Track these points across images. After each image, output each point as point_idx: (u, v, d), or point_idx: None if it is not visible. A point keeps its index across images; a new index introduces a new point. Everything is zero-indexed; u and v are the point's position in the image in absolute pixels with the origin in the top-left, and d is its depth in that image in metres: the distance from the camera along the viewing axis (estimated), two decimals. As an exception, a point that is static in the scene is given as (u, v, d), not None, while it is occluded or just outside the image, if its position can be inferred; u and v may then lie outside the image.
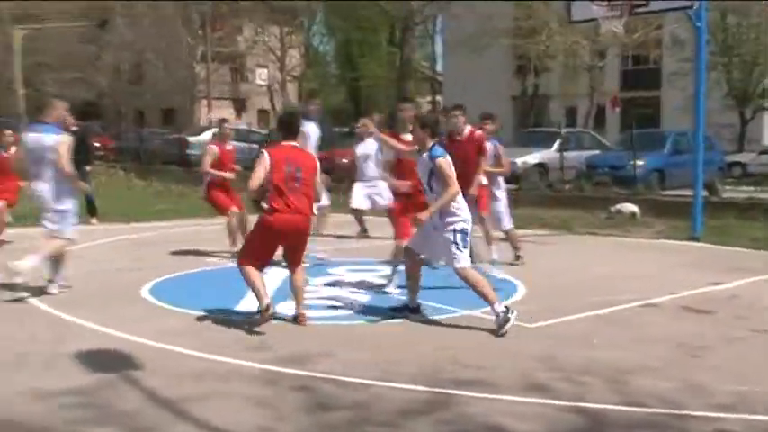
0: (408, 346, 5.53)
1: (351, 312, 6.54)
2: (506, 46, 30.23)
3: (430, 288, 7.05)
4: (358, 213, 10.59)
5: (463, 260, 5.96)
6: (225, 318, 6.22)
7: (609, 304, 6.76)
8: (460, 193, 6.06)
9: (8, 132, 10.62)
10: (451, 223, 5.97)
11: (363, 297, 7.09)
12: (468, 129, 8.20)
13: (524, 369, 4.96)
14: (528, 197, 15.37)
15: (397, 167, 7.24)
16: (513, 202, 10.03)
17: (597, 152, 20.36)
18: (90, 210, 13.13)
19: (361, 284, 7.66)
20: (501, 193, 9.09)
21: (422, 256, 6.32)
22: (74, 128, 13.06)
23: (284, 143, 6.07)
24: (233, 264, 8.82)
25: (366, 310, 6.57)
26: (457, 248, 5.94)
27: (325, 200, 8.48)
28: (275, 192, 5.85)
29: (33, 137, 6.98)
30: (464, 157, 7.66)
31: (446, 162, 5.98)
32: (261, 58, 48.66)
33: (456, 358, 5.18)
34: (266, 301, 5.84)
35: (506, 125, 22.80)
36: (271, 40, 44.91)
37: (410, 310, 6.34)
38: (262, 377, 4.78)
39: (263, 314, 5.82)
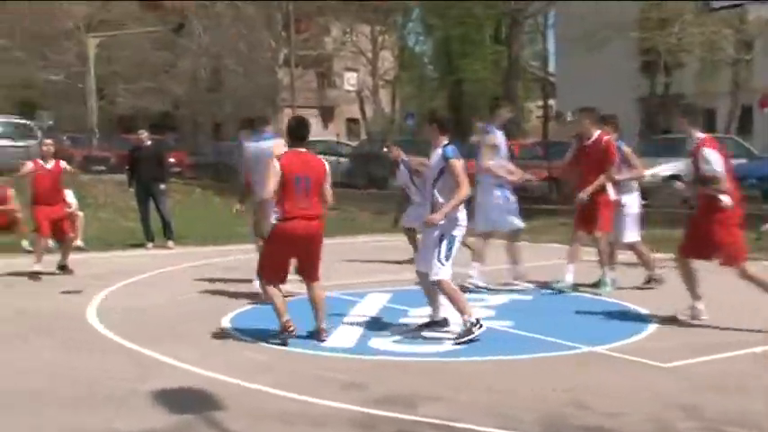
0: (525, 386, 5.47)
1: (455, 348, 6.51)
2: (630, 40, 29.57)
3: (549, 321, 6.96)
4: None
5: (441, 273, 6.54)
6: (314, 353, 6.30)
7: (765, 342, 6.48)
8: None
9: (48, 142, 11.03)
10: (444, 226, 6.53)
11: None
12: (597, 133, 8.61)
13: (660, 417, 4.80)
14: (659, 215, 14.93)
15: None
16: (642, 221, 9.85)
17: (743, 161, 19.61)
18: (166, 232, 13.59)
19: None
20: (633, 198, 8.96)
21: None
22: (147, 143, 13.74)
23: (293, 150, 6.63)
24: (328, 293, 9.05)
25: (473, 346, 6.52)
26: (438, 258, 6.54)
27: (518, 223, 8.78)
28: (285, 198, 6.42)
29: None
30: (587, 163, 7.73)
31: (459, 163, 6.56)
32: (350, 61, 49.43)
33: (580, 402, 5.08)
34: (285, 317, 6.46)
35: (630, 131, 22.24)
36: (361, 40, 45.59)
37: (437, 324, 6.88)
38: (359, 421, 4.80)
39: (284, 331, 6.45)
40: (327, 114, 52.01)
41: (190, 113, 47.62)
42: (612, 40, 28.09)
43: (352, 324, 7.36)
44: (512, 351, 6.38)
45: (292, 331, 6.48)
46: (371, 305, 8.24)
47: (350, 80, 51.83)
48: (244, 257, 11.98)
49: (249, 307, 8.22)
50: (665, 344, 6.49)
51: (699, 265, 7.39)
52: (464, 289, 7.68)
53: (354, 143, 35.69)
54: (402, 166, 11.04)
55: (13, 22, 39.34)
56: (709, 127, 33.09)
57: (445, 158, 6.58)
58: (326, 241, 11.99)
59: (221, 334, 7.02)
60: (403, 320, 7.41)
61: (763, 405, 5.05)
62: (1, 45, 39.54)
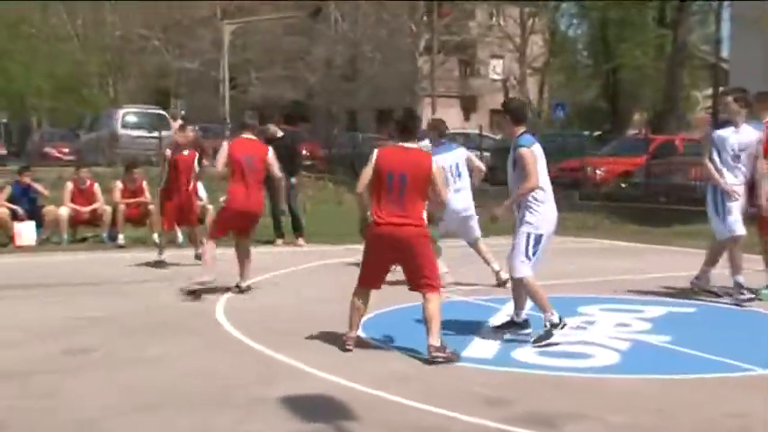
0: (687, 410, 5.30)
1: (607, 363, 6.39)
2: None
3: (713, 337, 6.72)
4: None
5: (523, 269, 6.74)
6: (454, 363, 6.30)
7: None
8: (547, 194, 6.81)
9: (189, 128, 11.55)
10: (529, 224, 6.74)
11: (623, 344, 6.90)
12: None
13: None
14: None
15: None
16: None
17: None
18: (296, 228, 13.90)
19: (619, 327, 7.51)
20: None
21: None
22: (279, 134, 14.08)
23: (396, 144, 6.51)
24: (463, 297, 9.10)
25: (628, 362, 6.39)
26: (523, 254, 6.74)
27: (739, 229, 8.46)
28: (376, 200, 6.37)
29: None
30: None
31: (529, 152, 6.71)
32: (496, 47, 49.22)
33: (753, 430, 4.87)
34: (353, 332, 6.64)
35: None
36: (508, 24, 45.28)
37: (517, 326, 7.07)
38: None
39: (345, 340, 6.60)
40: (470, 105, 51.94)
41: (324, 103, 48.56)
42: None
43: (490, 333, 7.32)
44: (671, 369, 6.20)
45: (353, 340, 6.64)
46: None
47: (495, 68, 51.64)
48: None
49: (384, 310, 8.30)
50: None
51: None
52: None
53: (498, 136, 35.43)
54: None
55: (151, 11, 41.36)
56: None
57: (515, 146, 6.75)
58: (453, 243, 12.04)
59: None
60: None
61: None
62: (139, 34, 41.69)
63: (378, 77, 44.90)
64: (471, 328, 7.42)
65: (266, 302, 8.75)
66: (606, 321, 7.80)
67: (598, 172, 21.34)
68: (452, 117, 46.99)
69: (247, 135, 9.35)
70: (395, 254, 6.46)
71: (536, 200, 6.82)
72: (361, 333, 7.37)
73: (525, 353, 6.62)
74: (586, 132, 34.17)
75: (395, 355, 6.62)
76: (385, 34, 43.56)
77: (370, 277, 6.62)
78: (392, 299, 8.93)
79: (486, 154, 27.72)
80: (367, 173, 6.43)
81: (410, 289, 6.62)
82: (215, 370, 6.16)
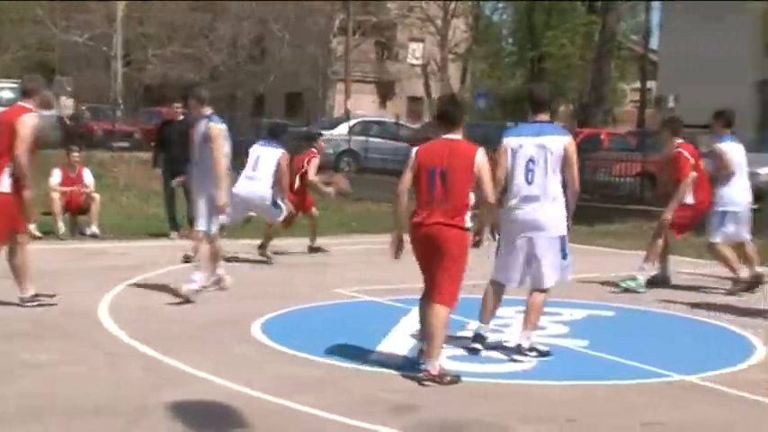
0: (604, 418, 5.44)
1: (522, 368, 6.50)
2: (756, 10, 28.85)
3: (631, 343, 6.90)
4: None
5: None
6: (359, 367, 6.35)
7: None
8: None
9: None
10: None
11: (540, 348, 7.01)
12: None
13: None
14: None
15: None
16: (755, 229, 10.19)
17: None
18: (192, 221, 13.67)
19: (536, 331, 7.60)
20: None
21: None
22: (180, 117, 13.85)
23: (440, 137, 6.37)
24: (366, 297, 9.14)
25: (545, 368, 6.51)
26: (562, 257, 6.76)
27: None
28: (417, 199, 6.23)
29: None
30: None
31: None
32: (416, 29, 49.40)
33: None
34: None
35: (746, 122, 21.80)
36: (430, 7, 45.52)
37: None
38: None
39: None
40: (386, 91, 52.09)
41: (228, 85, 48.04)
42: (732, 10, 27.43)
43: (403, 335, 7.37)
44: (588, 375, 6.36)
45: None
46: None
47: (414, 52, 51.86)
48: (280, 253, 12.11)
49: (284, 311, 8.29)
50: (770, 376, 6.39)
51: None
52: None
53: (416, 125, 35.67)
54: None
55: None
56: None
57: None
58: (376, 239, 12.17)
59: (251, 342, 7.09)
60: (461, 333, 7.40)
61: None
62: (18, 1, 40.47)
63: (287, 59, 44.66)
64: (382, 330, 7.46)
65: (155, 301, 8.61)
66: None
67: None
68: (367, 103, 47.17)
69: (26, 103, 8.00)
70: (425, 254, 6.27)
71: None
72: (258, 332, 7.36)
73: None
74: (510, 123, 34.59)
75: (295, 358, 6.61)
76: (296, 12, 43.32)
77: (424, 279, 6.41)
78: (299, 298, 8.96)
79: (404, 144, 27.89)
80: (406, 177, 6.28)
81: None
82: (93, 375, 6.05)
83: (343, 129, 28.57)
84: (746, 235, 10.01)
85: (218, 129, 8.61)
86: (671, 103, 36.72)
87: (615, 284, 9.93)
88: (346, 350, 6.76)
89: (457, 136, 6.31)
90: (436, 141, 6.38)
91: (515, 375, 6.34)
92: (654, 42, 45.20)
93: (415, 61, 51.16)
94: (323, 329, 7.65)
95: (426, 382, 5.90)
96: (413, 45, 52.00)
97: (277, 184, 11.02)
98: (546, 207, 6.66)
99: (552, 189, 6.68)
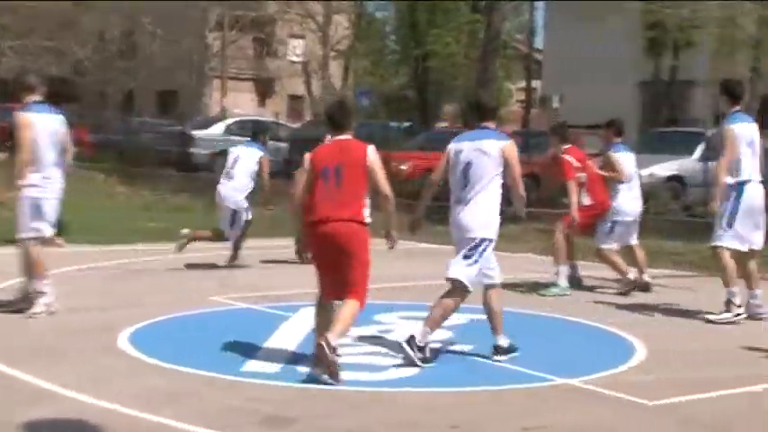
0: (485, 424, 5.52)
1: (403, 375, 6.55)
2: (635, 12, 29.80)
3: (521, 348, 7.03)
4: None
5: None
6: (230, 378, 6.29)
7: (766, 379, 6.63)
8: None
9: None
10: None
11: (426, 353, 7.08)
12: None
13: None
14: (657, 223, 15.13)
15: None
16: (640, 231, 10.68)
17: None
18: (56, 226, 13.35)
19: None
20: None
21: None
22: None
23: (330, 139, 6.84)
24: (242, 305, 9.08)
25: (426, 374, 6.58)
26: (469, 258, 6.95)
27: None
28: (312, 199, 6.56)
29: None
30: None
31: None
32: (297, 25, 49.27)
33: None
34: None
35: (629, 122, 22.45)
36: (310, 2, 45.45)
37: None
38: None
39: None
40: (266, 89, 51.84)
41: (97, 81, 46.94)
42: (614, 11, 28.33)
43: (280, 344, 7.38)
44: (471, 381, 6.45)
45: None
46: (305, 321, 8.23)
47: (295, 49, 51.74)
48: (148, 260, 11.93)
49: (155, 320, 8.16)
50: (651, 378, 6.59)
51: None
52: None
53: (296, 125, 35.60)
54: None
55: None
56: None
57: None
58: (252, 243, 12.09)
59: (116, 354, 6.95)
60: (342, 341, 7.41)
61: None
62: None
63: (160, 55, 43.91)
64: (258, 338, 7.42)
65: (9, 313, 8.33)
66: (405, 330, 7.93)
67: (403, 167, 21.75)
68: (245, 102, 46.85)
69: None
70: (326, 255, 6.54)
71: None
72: (124, 344, 7.23)
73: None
74: (394, 123, 34.84)
75: (164, 370, 6.50)
76: (169, 5, 42.66)
77: (319, 283, 6.68)
78: (172, 306, 8.83)
79: (283, 145, 27.74)
80: (301, 181, 6.72)
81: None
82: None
83: (218, 128, 28.26)
84: (634, 240, 10.50)
85: (26, 118, 8.15)
86: (555, 104, 37.68)
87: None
88: (219, 360, 6.71)
89: (347, 137, 6.69)
90: (327, 144, 6.87)
91: (396, 383, 6.37)
92: (539, 42, 46.29)
93: (295, 58, 51.03)
94: (196, 339, 7.57)
95: (322, 344, 6.11)
96: (293, 42, 51.87)
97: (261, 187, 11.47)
98: (475, 210, 6.94)
99: (486, 193, 6.96)
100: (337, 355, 6.19)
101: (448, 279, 6.96)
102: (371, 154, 6.58)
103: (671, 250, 13.35)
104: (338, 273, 6.47)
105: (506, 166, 6.98)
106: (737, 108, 9.04)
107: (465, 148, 7.07)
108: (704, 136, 19.84)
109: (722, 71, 32.14)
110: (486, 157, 6.95)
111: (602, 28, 29.62)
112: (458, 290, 6.93)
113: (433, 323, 6.91)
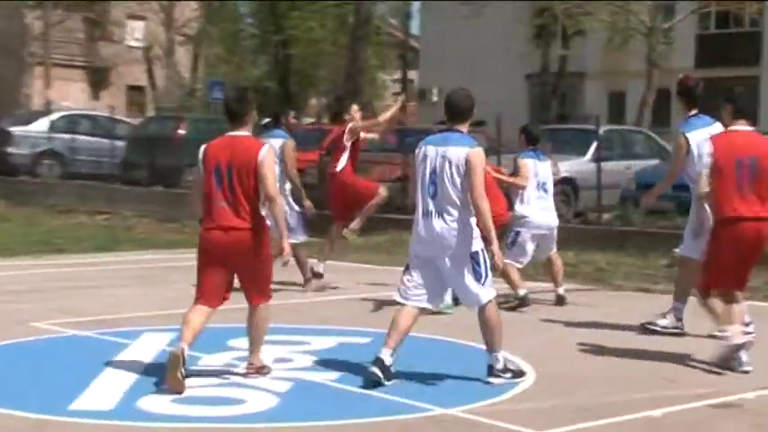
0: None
1: (260, 409, 6.56)
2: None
3: (398, 375, 7.11)
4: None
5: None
6: (59, 418, 6.19)
7: (667, 402, 6.85)
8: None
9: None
10: None
11: (281, 385, 7.14)
12: None
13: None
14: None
15: None
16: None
17: (654, 162, 20.56)
18: None
19: (279, 363, 7.73)
20: None
21: None
22: None
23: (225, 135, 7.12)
24: (74, 332, 8.91)
25: (286, 407, 6.62)
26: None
27: None
28: (205, 202, 6.99)
29: None
30: None
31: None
32: (135, 5, 48.57)
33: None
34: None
35: (519, 119, 22.96)
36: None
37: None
38: None
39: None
40: (100, 78, 50.90)
41: None
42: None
43: (117, 376, 7.28)
44: (339, 414, 6.45)
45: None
46: (145, 349, 8.19)
47: (134, 32, 51.00)
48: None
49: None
50: (538, 405, 6.72)
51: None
52: None
53: (136, 120, 35.05)
54: None
55: None
56: (617, 116, 34.56)
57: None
58: (91, 259, 11.90)
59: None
60: (189, 369, 7.38)
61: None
62: None
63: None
64: (92, 370, 7.31)
65: None
66: (264, 356, 7.97)
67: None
68: (76, 93, 45.94)
69: None
70: (220, 260, 7.01)
71: None
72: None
73: (155, 401, 6.62)
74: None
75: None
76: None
77: (205, 290, 7.09)
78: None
79: (120, 144, 27.29)
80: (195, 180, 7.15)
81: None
82: None
83: (42, 124, 27.63)
84: (549, 253, 10.99)
85: None
86: (435, 97, 38.12)
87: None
88: (44, 397, 6.58)
89: (243, 132, 7.02)
90: (221, 138, 7.10)
91: (253, 418, 6.36)
92: (415, 27, 46.81)
93: (134, 43, 50.27)
94: (13, 374, 7.41)
95: (251, 375, 6.95)
96: (132, 23, 51.11)
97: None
98: (447, 222, 7.08)
99: (454, 204, 7.06)
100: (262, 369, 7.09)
101: (480, 308, 7.17)
102: (263, 153, 6.91)
103: (563, 261, 13.60)
104: (231, 276, 7.07)
105: (467, 173, 7.04)
106: (695, 112, 9.07)
107: (430, 153, 7.17)
108: (597, 134, 20.26)
109: (614, 63, 33.30)
110: (450, 163, 7.05)
111: (484, 14, 30.05)
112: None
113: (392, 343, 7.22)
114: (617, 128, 25.42)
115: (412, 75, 47.69)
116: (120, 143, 27.30)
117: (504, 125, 18.12)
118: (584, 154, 20.13)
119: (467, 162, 6.98)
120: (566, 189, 19.46)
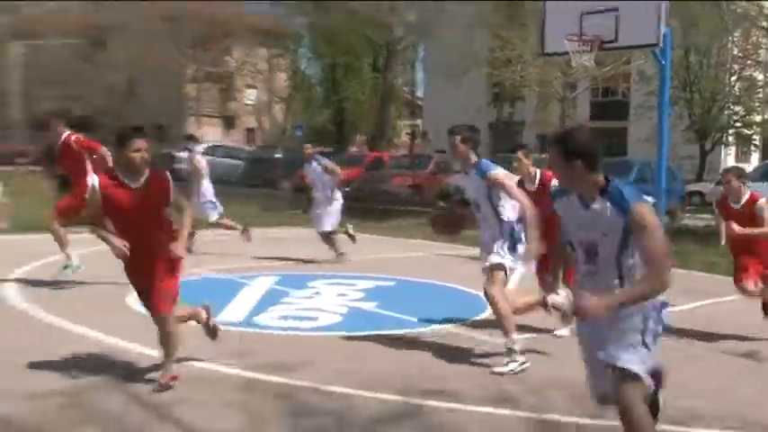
0: (383, 360, 5.52)
1: (330, 323, 6.55)
2: (484, 74, 30.51)
3: (413, 305, 7.07)
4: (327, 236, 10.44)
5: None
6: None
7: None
8: None
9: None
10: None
11: (342, 309, 7.11)
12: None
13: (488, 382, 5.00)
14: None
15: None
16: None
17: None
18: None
19: (339, 297, 7.71)
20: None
21: None
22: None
23: None
24: (214, 273, 8.90)
25: (346, 322, 6.58)
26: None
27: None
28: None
29: None
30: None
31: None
32: (250, 78, 48.71)
33: (427, 368, 5.21)
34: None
35: (483, 152, 22.81)
36: (259, 62, 44.95)
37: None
38: (245, 384, 4.77)
39: None
40: (229, 123, 51.06)
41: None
42: (470, 72, 28.88)
43: (242, 302, 7.26)
44: (379, 327, 6.42)
45: None
46: (260, 287, 8.17)
47: (249, 95, 51.10)
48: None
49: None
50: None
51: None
52: None
53: (251, 148, 35.18)
54: (314, 163, 10.25)
55: None
56: (543, 150, 34.42)
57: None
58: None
59: (125, 310, 6.74)
60: (285, 300, 7.40)
61: (568, 371, 5.30)
62: None
63: (151, 99, 42.71)
64: (227, 298, 7.29)
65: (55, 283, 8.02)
66: (329, 292, 7.99)
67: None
68: (215, 133, 46.20)
69: None
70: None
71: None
72: (133, 305, 7.02)
73: (266, 317, 6.64)
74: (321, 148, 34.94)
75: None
76: (154, 64, 41.52)
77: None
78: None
79: (240, 162, 27.65)
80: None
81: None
82: None
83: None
84: None
85: None
86: (431, 136, 38.30)
87: None
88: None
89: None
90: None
91: (326, 329, 6.33)
92: (420, 92, 46.59)
93: (249, 102, 50.29)
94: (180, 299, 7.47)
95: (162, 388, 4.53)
96: (248, 91, 51.12)
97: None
98: (491, 233, 5.36)
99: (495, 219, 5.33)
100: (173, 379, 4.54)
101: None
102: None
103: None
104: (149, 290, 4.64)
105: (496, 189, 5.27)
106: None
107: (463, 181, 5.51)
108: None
109: (542, 116, 33.24)
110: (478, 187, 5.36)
111: (462, 85, 30.07)
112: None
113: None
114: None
115: (417, 121, 47.49)
116: (240, 162, 27.56)
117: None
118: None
119: (489, 182, 5.36)
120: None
